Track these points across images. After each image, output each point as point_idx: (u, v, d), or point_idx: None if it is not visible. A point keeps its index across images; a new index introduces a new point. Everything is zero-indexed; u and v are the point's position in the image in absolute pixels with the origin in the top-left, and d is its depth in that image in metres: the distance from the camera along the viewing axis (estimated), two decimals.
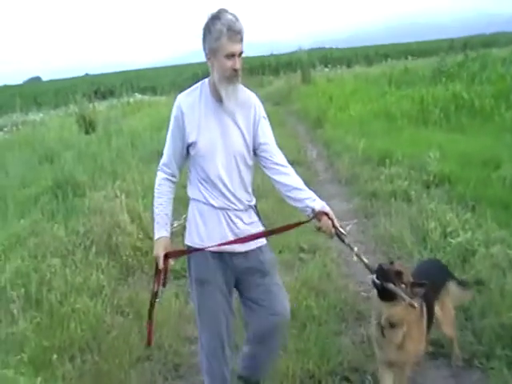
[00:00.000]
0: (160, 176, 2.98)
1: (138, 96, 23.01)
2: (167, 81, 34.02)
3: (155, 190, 2.98)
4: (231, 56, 2.63)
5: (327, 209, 2.79)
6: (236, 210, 2.87)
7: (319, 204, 2.79)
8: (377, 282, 2.66)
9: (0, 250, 5.59)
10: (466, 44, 40.80)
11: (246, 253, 2.89)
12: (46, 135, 14.24)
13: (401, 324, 2.74)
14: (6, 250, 5.64)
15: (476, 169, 7.22)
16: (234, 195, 2.84)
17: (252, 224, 2.95)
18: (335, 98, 17.24)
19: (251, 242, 2.89)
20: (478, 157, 7.75)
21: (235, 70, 2.66)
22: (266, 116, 2.96)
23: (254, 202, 3.02)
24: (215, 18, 2.62)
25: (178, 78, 35.76)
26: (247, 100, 2.89)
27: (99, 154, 10.25)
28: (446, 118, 11.55)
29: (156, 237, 2.96)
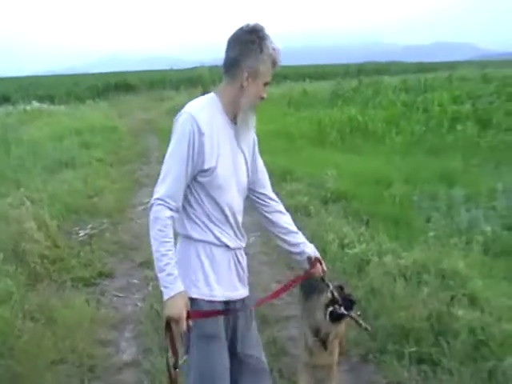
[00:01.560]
0: (164, 213, 2.22)
1: (36, 104, 22.25)
2: (64, 90, 33.05)
3: (158, 232, 2.21)
4: (266, 84, 2.34)
5: (317, 254, 2.65)
6: (241, 249, 2.51)
7: (311, 249, 2.63)
8: (345, 312, 2.78)
9: None
10: (360, 70, 43.08)
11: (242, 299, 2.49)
12: None
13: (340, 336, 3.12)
14: None
15: (369, 187, 7.81)
16: (241, 232, 2.47)
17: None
18: None
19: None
20: (371, 176, 8.37)
21: (262, 99, 2.37)
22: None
23: None
24: (265, 38, 2.27)
25: (76, 88, 34.84)
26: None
27: None
28: (342, 140, 12.32)
29: (172, 292, 2.18)
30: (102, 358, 4.08)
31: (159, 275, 2.21)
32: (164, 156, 2.32)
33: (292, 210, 7.31)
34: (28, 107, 21.44)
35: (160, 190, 2.25)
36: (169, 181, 2.25)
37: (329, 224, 6.35)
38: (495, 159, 9.07)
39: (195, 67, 37.92)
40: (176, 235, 2.32)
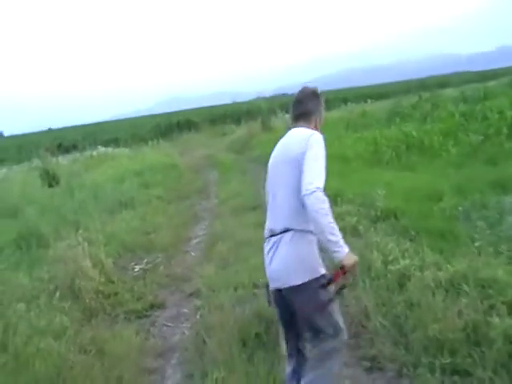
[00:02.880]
0: (325, 197, 2.93)
1: (101, 149, 23.29)
2: (129, 133, 34.38)
3: (329, 208, 2.94)
4: None
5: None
6: None
7: None
8: None
9: None
10: (422, 85, 42.41)
11: None
12: (9, 191, 14.40)
13: None
14: None
15: (419, 202, 7.65)
16: None
17: None
18: None
19: None
20: (422, 191, 8.21)
21: None
22: None
23: None
24: (321, 96, 3.48)
25: (139, 130, 36.14)
26: None
27: (62, 207, 10.50)
28: (398, 158, 12.12)
29: (347, 249, 3.00)
30: None
31: (335, 238, 2.95)
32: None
33: (342, 232, 7.35)
34: (94, 152, 22.43)
35: (320, 183, 2.93)
36: (323, 177, 2.98)
37: (375, 242, 6.30)
38: None
39: (254, 99, 38.40)
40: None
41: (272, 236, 3.18)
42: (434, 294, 4.44)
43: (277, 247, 3.12)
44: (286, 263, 3.07)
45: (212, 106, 55.98)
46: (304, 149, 3.06)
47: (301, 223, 3.06)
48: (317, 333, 3.13)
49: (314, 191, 2.87)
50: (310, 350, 3.28)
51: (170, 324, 5.48)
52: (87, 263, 6.31)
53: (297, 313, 3.18)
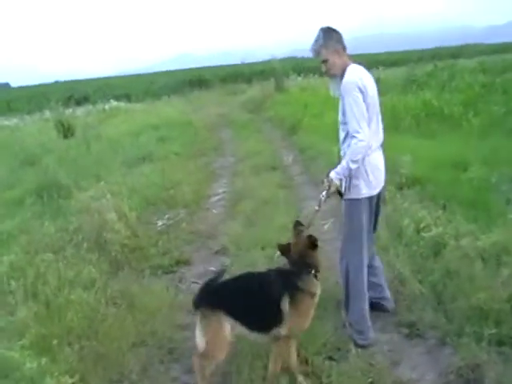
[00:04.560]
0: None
1: (114, 103, 23.09)
2: (140, 88, 34.17)
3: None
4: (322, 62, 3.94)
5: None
6: None
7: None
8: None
9: None
10: (435, 55, 41.78)
11: None
12: (25, 140, 14.32)
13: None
14: None
15: (445, 171, 7.58)
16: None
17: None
18: (309, 105, 17.60)
19: None
20: (447, 160, 8.12)
21: (324, 72, 4.04)
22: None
23: None
24: None
25: (151, 86, 35.93)
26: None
27: (80, 158, 10.44)
28: (417, 125, 12.01)
29: None
30: (181, 342, 4.23)
31: (343, 171, 3.72)
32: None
33: None
34: (107, 106, 22.25)
35: (362, 132, 3.67)
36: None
37: (404, 209, 6.24)
38: None
39: (267, 60, 37.93)
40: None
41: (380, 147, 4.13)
42: (472, 263, 4.40)
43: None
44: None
45: (224, 65, 55.41)
46: None
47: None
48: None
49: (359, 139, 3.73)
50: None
51: (198, 281, 5.44)
52: (113, 216, 6.25)
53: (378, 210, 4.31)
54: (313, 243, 3.48)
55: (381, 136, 4.08)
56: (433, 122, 12.05)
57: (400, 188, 7.40)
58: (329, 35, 3.85)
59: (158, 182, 9.01)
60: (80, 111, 21.71)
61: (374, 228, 4.31)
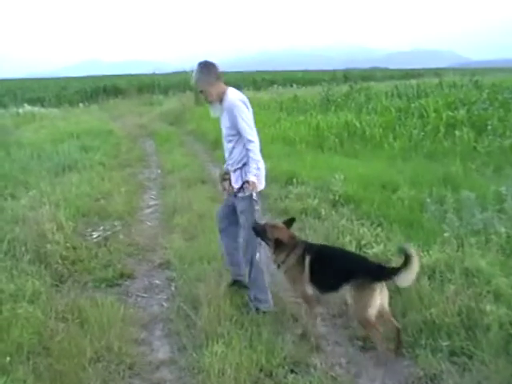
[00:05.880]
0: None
1: (28, 107, 22.19)
2: (53, 93, 33.05)
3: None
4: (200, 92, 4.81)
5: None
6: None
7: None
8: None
9: None
10: (347, 76, 43.44)
11: None
12: None
13: None
14: None
15: (376, 191, 7.93)
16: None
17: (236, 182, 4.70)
18: None
19: None
20: (376, 180, 8.51)
21: (204, 99, 4.83)
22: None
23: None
24: None
25: (64, 92, 34.83)
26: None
27: (1, 164, 9.98)
28: (341, 144, 12.48)
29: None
30: (139, 356, 4.16)
31: (256, 171, 4.48)
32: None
33: (300, 213, 7.48)
34: (20, 110, 21.37)
35: (254, 136, 4.53)
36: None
37: (342, 226, 6.48)
38: (493, 164, 9.24)
39: (182, 72, 37.85)
40: None
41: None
42: (418, 279, 4.64)
43: None
44: None
45: (139, 74, 54.67)
46: None
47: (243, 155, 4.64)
48: None
49: (253, 141, 4.57)
50: None
51: (144, 295, 5.37)
52: (52, 226, 6.05)
53: None
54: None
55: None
56: (355, 142, 12.58)
57: (333, 205, 7.67)
58: (202, 70, 4.63)
59: (88, 192, 8.78)
60: None
61: None
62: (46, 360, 3.95)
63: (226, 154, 4.80)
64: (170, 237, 6.90)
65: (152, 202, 9.10)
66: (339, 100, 20.13)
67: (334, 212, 7.27)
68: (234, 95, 4.61)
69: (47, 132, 15.25)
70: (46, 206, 6.50)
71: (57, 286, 5.35)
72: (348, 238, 5.95)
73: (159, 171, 11.83)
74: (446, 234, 5.57)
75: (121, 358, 4.06)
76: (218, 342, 4.02)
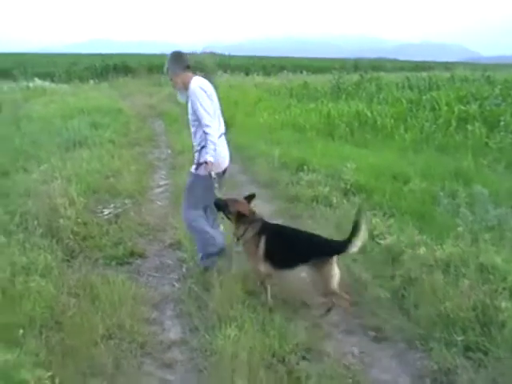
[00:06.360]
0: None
1: (38, 81, 22.11)
2: (63, 68, 32.97)
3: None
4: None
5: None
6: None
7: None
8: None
9: None
10: (356, 65, 43.24)
11: None
12: None
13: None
14: None
15: (388, 181, 7.90)
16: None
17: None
18: (241, 104, 17.71)
19: None
20: (388, 170, 8.47)
21: (173, 86, 5.26)
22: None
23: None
24: None
25: (75, 67, 34.74)
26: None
27: (12, 138, 9.94)
28: (351, 133, 12.42)
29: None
30: (151, 336, 4.16)
31: (213, 153, 4.75)
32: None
33: (311, 200, 7.46)
34: (30, 84, 21.29)
35: (211, 122, 4.77)
36: None
37: (354, 215, 6.44)
38: (505, 160, 9.19)
39: (193, 53, 37.64)
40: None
41: (223, 134, 5.17)
42: (432, 272, 4.63)
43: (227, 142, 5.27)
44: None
45: (148, 54, 54.43)
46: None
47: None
48: None
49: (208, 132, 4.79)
50: None
51: (155, 274, 5.37)
52: (64, 201, 6.03)
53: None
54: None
55: (222, 127, 5.16)
56: (366, 131, 12.51)
57: (345, 194, 7.64)
58: (171, 60, 5.04)
59: (98, 169, 8.75)
60: (2, 87, 20.64)
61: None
62: (59, 334, 3.96)
63: (192, 138, 5.17)
64: (179, 217, 6.88)
65: (162, 182, 9.08)
66: (350, 89, 20.06)
67: (345, 201, 7.25)
68: (196, 83, 4.89)
69: (57, 107, 15.22)
70: (58, 180, 6.47)
71: (68, 261, 5.35)
72: None
73: (169, 151, 11.79)
74: (459, 229, 5.52)
75: (132, 337, 4.06)
76: (230, 325, 4.01)
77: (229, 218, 4.83)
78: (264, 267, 4.51)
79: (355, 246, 4.17)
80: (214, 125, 4.83)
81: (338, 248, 4.29)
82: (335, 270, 4.27)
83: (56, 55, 56.20)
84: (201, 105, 4.76)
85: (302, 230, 4.77)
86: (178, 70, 4.99)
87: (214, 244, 5.11)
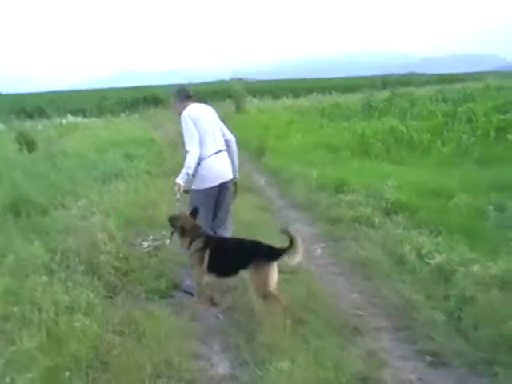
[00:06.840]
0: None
1: (71, 117, 22.56)
2: (94, 103, 33.64)
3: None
4: None
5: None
6: None
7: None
8: None
9: None
10: (384, 82, 42.93)
11: None
12: None
13: None
14: None
15: (430, 197, 7.66)
16: None
17: None
18: (272, 127, 17.67)
19: None
20: (429, 187, 8.23)
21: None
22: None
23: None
24: None
25: (105, 102, 35.40)
26: None
27: (48, 174, 10.01)
28: (387, 151, 12.17)
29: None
30: (199, 372, 4.01)
31: (183, 176, 5.34)
32: None
33: (353, 221, 7.27)
34: (64, 121, 21.72)
35: (191, 147, 5.27)
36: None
37: (400, 235, 6.25)
38: None
39: (221, 80, 38.00)
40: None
41: (220, 151, 5.56)
42: (488, 290, 4.40)
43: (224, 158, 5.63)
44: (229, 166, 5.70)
45: (177, 84, 55.14)
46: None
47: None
48: None
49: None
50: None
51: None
52: (104, 236, 5.98)
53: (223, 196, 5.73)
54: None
55: (219, 144, 5.57)
56: (402, 148, 12.27)
57: (387, 213, 7.43)
58: (174, 95, 5.75)
59: (135, 201, 8.73)
60: (36, 125, 21.07)
61: (219, 209, 5.82)
62: (105, 375, 3.83)
63: None
64: None
65: None
66: (381, 105, 19.87)
67: (388, 220, 7.04)
68: (187, 111, 5.46)
69: (91, 141, 15.41)
70: (97, 215, 6.43)
71: (110, 297, 5.25)
72: (407, 248, 5.73)
73: None
74: None
75: (180, 374, 3.92)
76: (281, 358, 3.85)
77: (177, 232, 5.26)
78: (208, 278, 4.98)
79: (292, 259, 4.49)
80: (195, 148, 5.28)
81: (277, 254, 4.55)
82: (274, 274, 4.57)
83: (85, 91, 57.33)
84: (184, 129, 5.34)
85: (245, 239, 4.99)
86: (179, 102, 5.67)
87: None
